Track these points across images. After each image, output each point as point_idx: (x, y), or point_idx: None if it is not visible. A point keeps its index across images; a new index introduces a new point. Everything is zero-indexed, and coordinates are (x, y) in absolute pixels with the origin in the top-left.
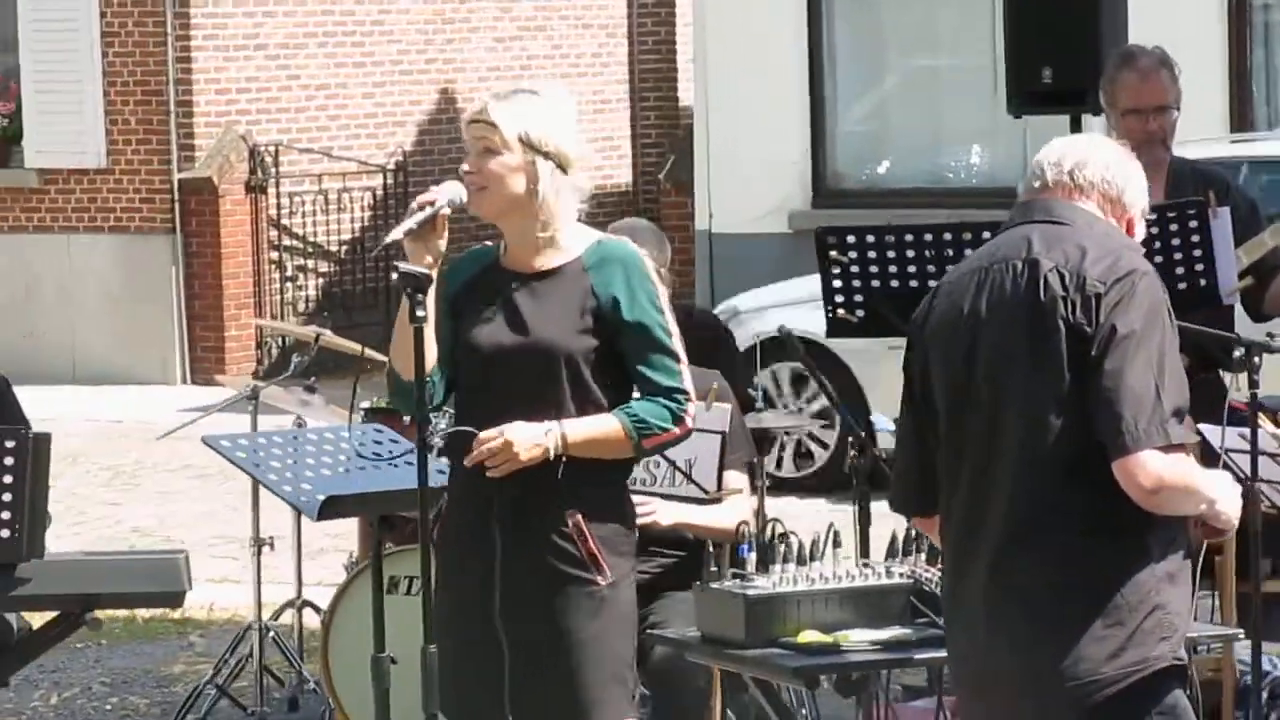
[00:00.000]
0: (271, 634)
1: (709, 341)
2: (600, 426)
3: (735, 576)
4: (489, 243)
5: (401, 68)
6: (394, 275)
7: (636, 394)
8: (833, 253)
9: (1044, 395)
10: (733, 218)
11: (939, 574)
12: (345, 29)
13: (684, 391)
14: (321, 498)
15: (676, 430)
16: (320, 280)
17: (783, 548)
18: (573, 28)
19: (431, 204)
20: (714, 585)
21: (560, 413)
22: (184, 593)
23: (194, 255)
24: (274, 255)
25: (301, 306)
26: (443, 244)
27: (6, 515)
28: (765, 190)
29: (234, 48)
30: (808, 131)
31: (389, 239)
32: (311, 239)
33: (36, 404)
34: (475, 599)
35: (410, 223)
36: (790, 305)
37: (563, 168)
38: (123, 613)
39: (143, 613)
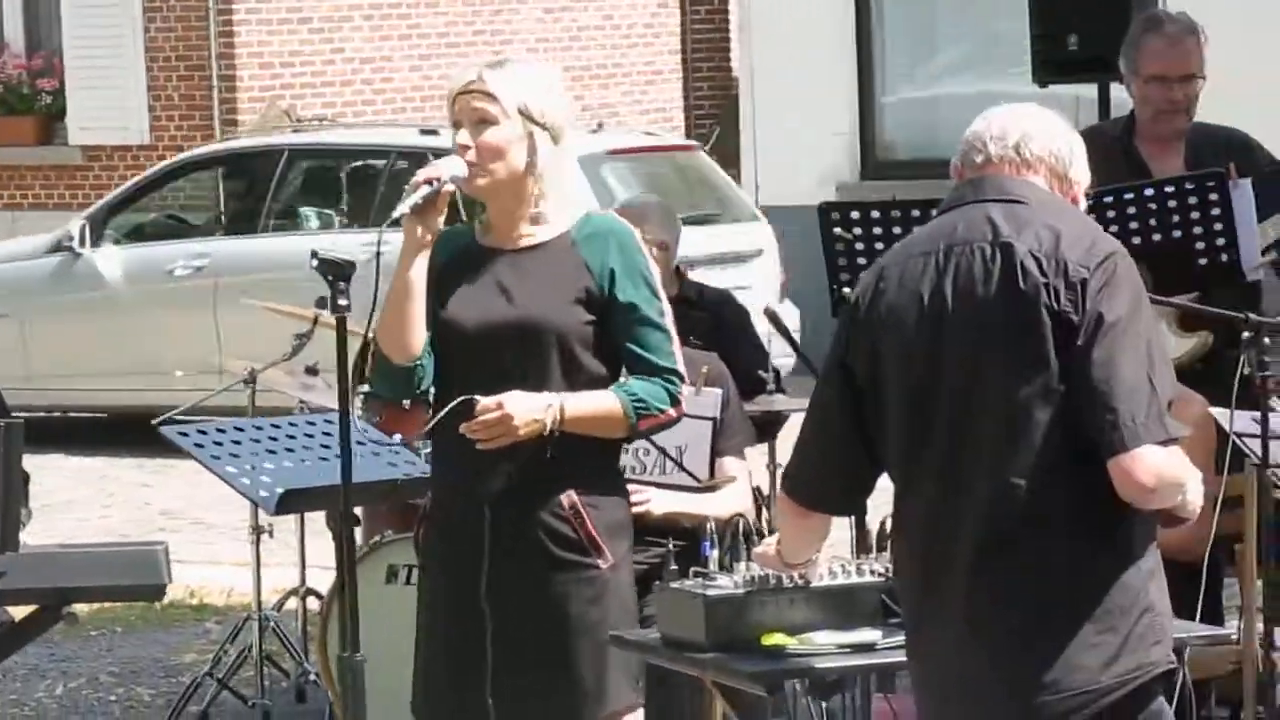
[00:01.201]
0: (272, 624)
1: (715, 321)
2: (599, 403)
3: (697, 575)
4: (460, 224)
5: (448, 40)
6: (312, 263)
7: (625, 373)
8: (837, 229)
9: (1026, 389)
10: (779, 190)
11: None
12: (390, 2)
13: (678, 373)
14: (280, 491)
15: (672, 412)
16: None
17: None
18: None
19: (437, 179)
20: (674, 585)
21: (549, 390)
22: (163, 586)
23: None
24: None
25: None
26: (440, 220)
27: None
28: (812, 162)
29: (277, 21)
30: (855, 101)
31: (395, 214)
32: None
33: None
34: (461, 583)
35: (415, 198)
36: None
37: (556, 139)
38: None
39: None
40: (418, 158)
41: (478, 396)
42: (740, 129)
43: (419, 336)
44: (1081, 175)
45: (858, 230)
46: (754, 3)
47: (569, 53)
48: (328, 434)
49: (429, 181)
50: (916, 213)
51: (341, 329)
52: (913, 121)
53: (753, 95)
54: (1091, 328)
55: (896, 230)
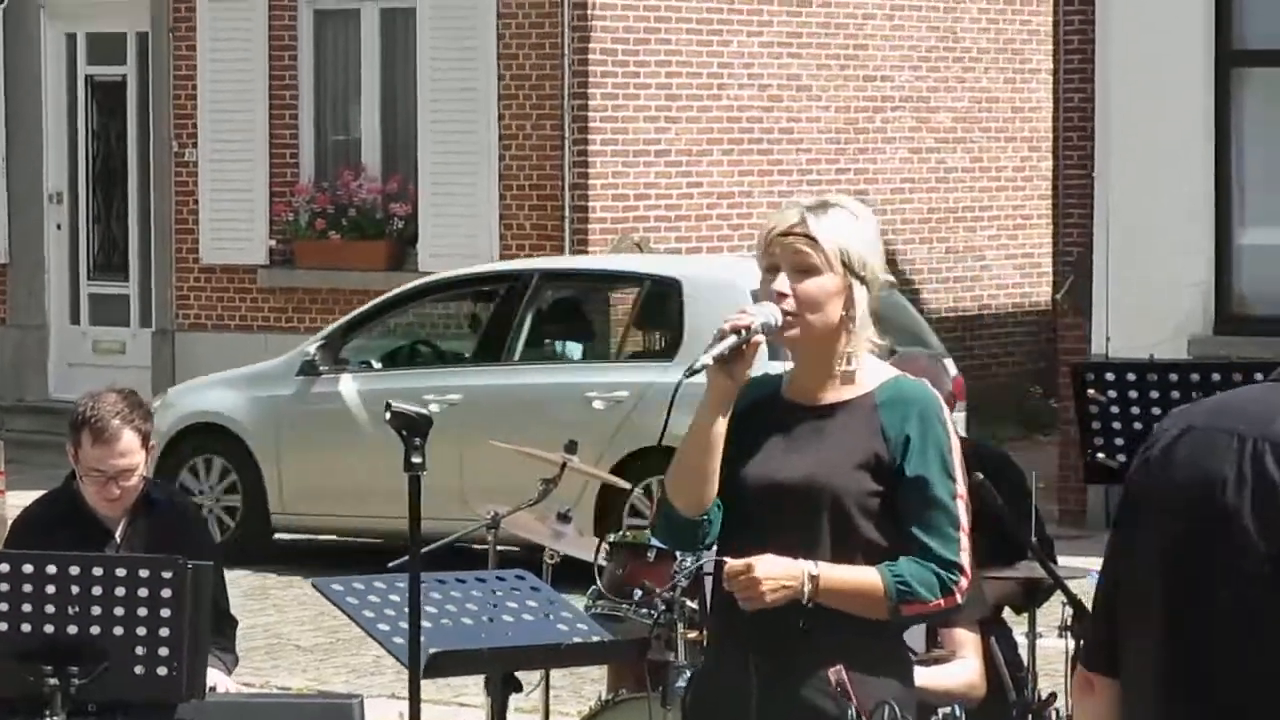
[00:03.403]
0: None
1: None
2: (858, 577)
3: None
4: (770, 372)
5: (810, 177)
6: (386, 415)
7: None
8: (1091, 391)
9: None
10: (1129, 342)
11: None
12: (751, 136)
13: (959, 566)
14: (432, 651)
15: (942, 602)
16: None
17: None
18: (994, 141)
19: (746, 329)
20: None
21: (815, 555)
22: None
23: None
24: None
25: None
26: (749, 371)
27: (165, 652)
28: (1165, 313)
29: (634, 153)
30: (1212, 250)
31: (698, 365)
32: None
33: None
34: None
35: (721, 347)
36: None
37: (871, 293)
38: None
39: None
40: None
41: (728, 559)
42: (1093, 278)
43: (711, 490)
44: None
45: (1112, 393)
46: (1114, 151)
47: (935, 194)
48: (496, 592)
49: (737, 330)
50: (1175, 376)
51: (415, 489)
52: (1274, 275)
53: (1106, 243)
54: None
55: (1154, 394)
